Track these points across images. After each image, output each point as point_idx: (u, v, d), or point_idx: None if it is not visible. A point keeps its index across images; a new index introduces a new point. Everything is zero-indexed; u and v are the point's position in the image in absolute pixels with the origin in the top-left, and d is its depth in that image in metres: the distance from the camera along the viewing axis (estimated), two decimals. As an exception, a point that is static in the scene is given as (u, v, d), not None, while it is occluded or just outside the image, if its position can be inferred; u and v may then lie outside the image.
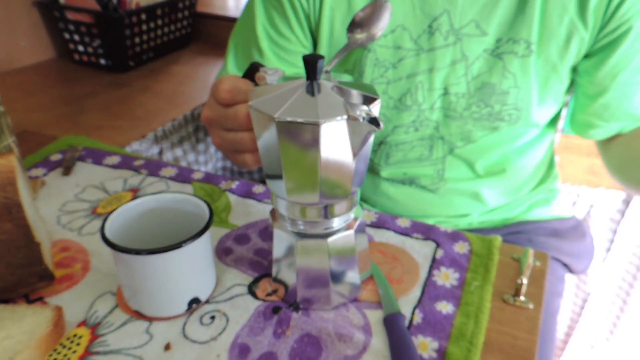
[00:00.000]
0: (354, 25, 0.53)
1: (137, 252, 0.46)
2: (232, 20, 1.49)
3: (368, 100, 0.44)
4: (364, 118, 0.41)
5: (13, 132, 0.67)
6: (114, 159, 0.79)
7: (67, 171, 0.75)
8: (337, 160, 0.44)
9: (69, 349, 0.47)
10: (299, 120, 0.42)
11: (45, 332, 0.46)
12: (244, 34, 0.77)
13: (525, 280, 0.52)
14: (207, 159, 1.09)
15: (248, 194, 0.70)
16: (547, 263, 0.57)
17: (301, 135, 0.42)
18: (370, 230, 0.62)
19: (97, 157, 0.79)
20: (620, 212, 1.17)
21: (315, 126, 0.41)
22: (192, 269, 0.49)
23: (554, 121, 0.78)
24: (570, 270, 0.87)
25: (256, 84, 0.49)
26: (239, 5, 1.71)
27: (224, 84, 0.49)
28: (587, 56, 0.67)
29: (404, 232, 0.62)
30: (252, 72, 0.51)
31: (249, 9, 0.76)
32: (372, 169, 0.79)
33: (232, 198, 0.69)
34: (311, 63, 0.44)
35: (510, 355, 0.46)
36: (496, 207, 0.79)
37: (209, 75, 1.25)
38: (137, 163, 0.78)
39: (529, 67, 0.65)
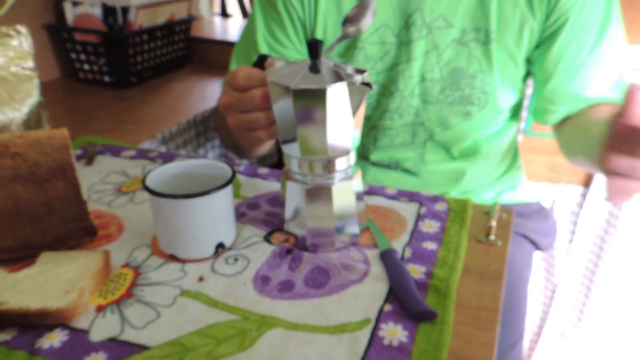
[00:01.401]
0: (346, 20, 0.65)
1: (174, 196, 0.55)
2: (223, 44, 1.63)
3: (360, 71, 0.56)
4: (360, 83, 0.53)
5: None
6: (131, 152, 0.88)
7: (90, 161, 0.85)
8: (340, 118, 0.55)
9: (118, 282, 0.56)
10: (310, 87, 0.53)
11: (98, 268, 0.55)
12: (246, 44, 0.89)
13: (494, 223, 0.63)
14: (206, 163, 1.19)
15: (254, 174, 0.80)
16: (512, 216, 0.68)
17: (312, 100, 0.54)
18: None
19: (115, 151, 0.88)
20: (579, 204, 1.31)
21: (323, 90, 0.53)
22: (218, 214, 0.58)
23: (516, 112, 0.91)
24: (538, 247, 0.98)
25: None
26: (228, 31, 1.85)
27: (241, 71, 0.60)
28: (537, 46, 0.80)
29: (392, 197, 0.73)
30: (260, 62, 0.62)
31: (250, 21, 0.88)
32: (363, 154, 0.90)
33: (241, 177, 0.79)
34: (314, 45, 0.56)
35: (483, 276, 0.57)
36: (470, 189, 0.91)
37: (204, 91, 1.36)
38: (152, 154, 0.87)
39: (491, 53, 0.78)
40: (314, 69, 0.56)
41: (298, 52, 0.86)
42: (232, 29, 1.89)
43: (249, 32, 0.89)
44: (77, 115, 1.14)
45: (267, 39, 0.86)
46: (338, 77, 0.54)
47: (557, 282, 1.40)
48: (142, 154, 0.87)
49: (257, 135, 0.63)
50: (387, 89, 0.83)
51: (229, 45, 1.64)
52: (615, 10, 0.78)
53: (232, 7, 2.12)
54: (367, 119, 0.86)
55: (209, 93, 1.34)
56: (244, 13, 2.10)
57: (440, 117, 0.83)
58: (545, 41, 0.79)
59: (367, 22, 0.65)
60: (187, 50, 1.57)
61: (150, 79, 1.42)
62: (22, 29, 0.70)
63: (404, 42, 0.80)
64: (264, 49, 0.86)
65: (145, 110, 1.19)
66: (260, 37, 0.86)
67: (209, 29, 1.82)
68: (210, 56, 1.63)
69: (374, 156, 0.89)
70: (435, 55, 0.80)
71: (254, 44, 0.87)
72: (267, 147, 0.83)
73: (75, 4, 1.29)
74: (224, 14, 2.10)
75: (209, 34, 1.73)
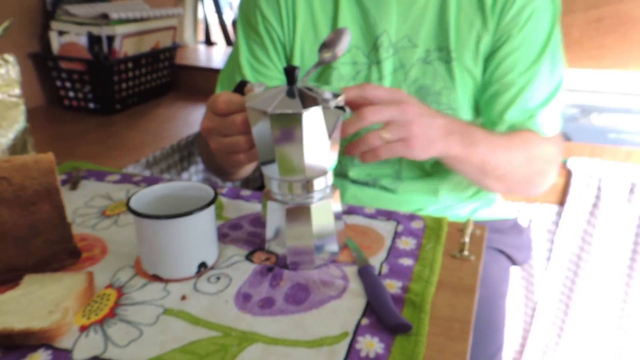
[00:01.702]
0: (323, 46, 0.68)
1: (158, 217, 0.57)
2: (206, 71, 1.67)
3: (335, 95, 0.59)
4: (334, 106, 0.56)
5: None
6: (115, 177, 0.90)
7: (74, 186, 0.86)
8: (316, 141, 0.58)
9: (101, 303, 0.57)
10: (286, 111, 0.56)
11: (81, 289, 0.56)
12: (230, 67, 0.94)
13: (467, 239, 0.65)
14: (190, 187, 1.21)
15: (237, 196, 0.82)
16: (485, 232, 0.71)
17: (288, 124, 0.56)
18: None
19: (99, 176, 0.90)
20: (555, 223, 1.34)
21: (298, 115, 0.55)
22: (201, 235, 0.60)
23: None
24: (514, 262, 1.01)
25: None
26: (211, 58, 1.89)
27: (221, 97, 0.63)
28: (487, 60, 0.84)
29: (370, 216, 0.75)
30: (240, 88, 0.65)
31: (235, 45, 0.93)
32: (342, 172, 0.93)
33: (224, 199, 0.81)
34: (290, 71, 0.59)
35: (457, 290, 0.59)
36: (446, 206, 0.94)
37: (188, 117, 1.39)
38: (136, 179, 0.89)
39: (453, 71, 0.83)
40: (291, 94, 0.59)
41: (279, 71, 0.91)
42: (215, 56, 1.94)
43: (233, 56, 0.94)
44: (62, 141, 1.15)
45: (250, 61, 0.90)
46: (313, 101, 0.57)
47: (537, 299, 1.42)
48: (126, 178, 0.89)
49: (238, 158, 0.65)
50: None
51: (212, 72, 1.68)
52: (555, 38, 0.83)
53: (216, 35, 2.17)
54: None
55: (193, 119, 1.36)
56: (228, 41, 2.14)
57: None
58: (491, 57, 0.83)
59: (342, 49, 0.68)
60: (171, 77, 1.60)
61: (135, 105, 1.45)
62: (10, 57, 0.72)
63: (374, 61, 0.85)
64: (247, 70, 0.90)
65: (130, 135, 1.21)
66: (244, 59, 0.91)
67: (193, 57, 1.86)
68: (194, 83, 1.66)
69: (352, 173, 0.92)
70: (403, 74, 0.85)
71: (238, 66, 0.91)
72: (248, 169, 0.86)
73: (61, 33, 1.31)
74: (208, 41, 2.15)
75: (193, 61, 1.77)
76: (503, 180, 0.82)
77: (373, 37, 0.85)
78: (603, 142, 1.27)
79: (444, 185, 0.91)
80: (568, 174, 1.30)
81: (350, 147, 0.67)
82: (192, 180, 1.21)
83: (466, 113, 0.86)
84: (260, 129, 0.58)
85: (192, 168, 1.22)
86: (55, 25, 1.32)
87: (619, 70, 1.41)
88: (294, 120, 0.56)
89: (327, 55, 0.67)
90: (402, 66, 0.84)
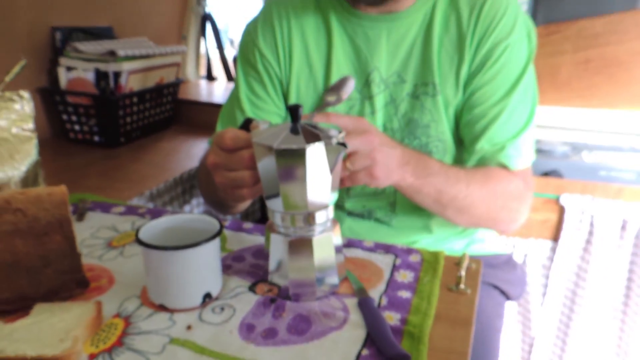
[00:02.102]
0: (328, 90, 0.72)
1: (165, 248, 0.59)
2: (208, 105, 1.71)
3: (336, 132, 0.63)
4: (335, 143, 0.59)
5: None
6: (120, 209, 0.92)
7: (80, 217, 0.88)
8: (319, 175, 0.61)
9: (109, 332, 0.59)
10: (291, 147, 0.59)
11: (90, 318, 0.58)
12: (230, 103, 0.98)
13: (463, 273, 0.68)
14: (191, 219, 1.23)
15: (239, 229, 0.84)
16: (480, 266, 0.73)
17: (293, 159, 0.59)
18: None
19: (104, 208, 0.92)
20: (550, 259, 1.37)
21: (302, 150, 0.59)
22: (206, 266, 0.62)
23: None
24: (508, 297, 1.03)
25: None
26: (213, 93, 1.94)
27: (228, 133, 0.66)
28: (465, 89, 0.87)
29: (369, 249, 0.78)
30: (246, 125, 0.68)
31: (235, 83, 0.98)
32: (338, 203, 0.95)
33: (227, 232, 0.83)
34: (294, 110, 0.63)
35: (454, 322, 0.61)
36: (440, 239, 0.96)
37: (190, 150, 1.42)
38: (141, 211, 0.91)
39: (438, 104, 0.87)
40: (295, 130, 0.62)
41: (276, 106, 0.95)
42: (217, 91, 1.99)
43: (233, 92, 0.98)
44: (68, 173, 1.18)
45: (249, 96, 0.95)
46: (316, 137, 0.60)
47: (533, 335, 1.43)
48: (131, 210, 0.91)
49: (241, 192, 0.68)
50: None
51: (214, 106, 1.72)
52: (529, 75, 0.86)
53: (217, 70, 2.23)
54: None
55: (194, 152, 1.39)
56: (228, 76, 2.20)
57: None
58: (467, 85, 0.86)
59: (347, 92, 0.72)
60: (174, 111, 1.64)
61: (139, 139, 1.48)
62: (25, 94, 0.75)
63: (366, 97, 0.90)
64: (246, 105, 0.94)
65: (134, 168, 1.24)
66: (243, 94, 0.95)
67: (195, 91, 1.91)
68: (196, 117, 1.70)
69: (348, 204, 0.94)
70: (393, 108, 0.89)
71: (237, 101, 0.95)
72: (246, 204, 0.90)
73: (69, 69, 1.35)
74: (210, 77, 2.20)
75: (195, 96, 1.81)
76: (464, 213, 0.83)
77: (365, 74, 0.89)
78: (594, 180, 1.31)
79: (437, 218, 0.94)
80: (561, 210, 1.33)
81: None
82: (194, 212, 1.23)
83: (455, 145, 0.90)
84: (266, 164, 0.61)
85: (194, 200, 1.25)
86: (63, 61, 1.36)
87: (608, 109, 1.46)
88: (298, 155, 0.59)
89: (331, 98, 0.71)
90: (393, 101, 0.89)
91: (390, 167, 0.69)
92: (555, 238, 1.36)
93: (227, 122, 0.97)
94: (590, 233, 1.31)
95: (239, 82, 0.96)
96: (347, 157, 0.66)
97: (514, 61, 0.85)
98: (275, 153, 0.59)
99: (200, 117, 1.69)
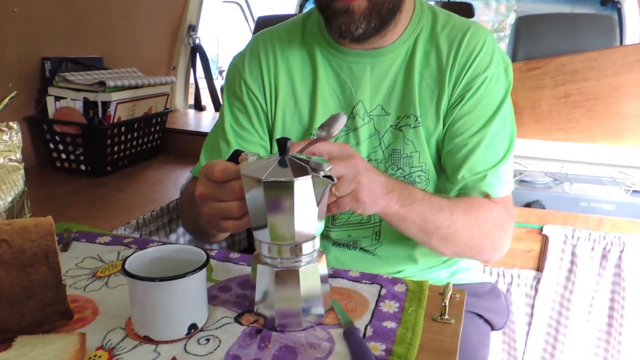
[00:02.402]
0: (322, 126, 0.73)
1: (151, 279, 0.59)
2: (195, 134, 1.72)
3: (323, 165, 0.64)
4: (322, 176, 0.61)
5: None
6: (106, 239, 0.92)
7: (65, 247, 0.88)
8: (306, 207, 0.62)
9: (92, 364, 0.58)
10: (279, 179, 0.60)
11: (74, 349, 0.57)
12: (215, 133, 0.99)
13: (447, 303, 0.69)
14: (177, 249, 1.23)
15: (226, 259, 0.85)
16: (464, 296, 0.74)
17: (281, 191, 0.60)
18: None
19: (90, 238, 0.92)
20: (534, 288, 1.38)
21: (290, 182, 0.60)
22: (192, 297, 0.62)
23: None
24: (493, 327, 1.03)
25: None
26: (200, 123, 1.96)
27: (217, 165, 0.67)
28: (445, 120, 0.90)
29: (355, 280, 0.78)
30: (235, 157, 0.70)
31: (220, 113, 0.99)
32: (323, 233, 0.96)
33: (213, 262, 0.83)
34: (282, 143, 0.64)
35: (438, 352, 0.62)
36: (425, 268, 0.97)
37: (177, 179, 1.43)
38: (127, 240, 0.91)
39: (420, 135, 0.89)
40: (283, 163, 0.63)
41: (261, 138, 0.96)
42: (205, 120, 2.01)
43: (219, 123, 1.00)
44: (53, 202, 1.17)
45: (234, 127, 0.96)
46: (304, 170, 0.61)
47: (519, 365, 1.43)
48: (116, 240, 0.91)
49: (227, 224, 0.69)
50: None
51: (201, 136, 1.72)
52: (506, 107, 0.89)
53: (206, 100, 2.25)
54: None
55: (181, 181, 1.40)
56: (217, 106, 2.22)
57: None
58: (447, 116, 0.89)
59: (338, 128, 0.73)
60: (161, 140, 1.65)
61: (125, 168, 1.48)
62: (14, 125, 0.76)
63: (351, 129, 0.92)
64: (230, 136, 0.96)
65: (120, 197, 1.24)
66: (228, 125, 0.96)
67: (183, 121, 1.92)
68: (184, 146, 1.71)
69: (334, 234, 0.95)
70: (377, 139, 0.91)
71: (222, 131, 0.97)
72: (227, 234, 0.90)
73: (57, 99, 1.36)
74: (198, 106, 2.23)
75: (183, 125, 1.83)
76: (449, 241, 0.83)
77: (350, 106, 0.92)
78: (575, 211, 1.33)
79: (421, 248, 0.95)
80: (544, 241, 1.36)
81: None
82: (181, 241, 1.23)
83: (437, 175, 0.92)
84: (254, 195, 0.62)
85: (180, 229, 1.25)
86: (52, 91, 1.37)
87: (587, 143, 1.50)
88: (286, 188, 0.60)
89: (322, 133, 0.73)
90: (377, 132, 0.91)
91: (375, 192, 0.70)
92: (539, 268, 1.38)
93: (211, 152, 0.98)
94: (573, 263, 1.33)
95: (224, 113, 0.98)
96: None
97: (492, 93, 0.88)
98: (264, 185, 0.60)
99: (188, 147, 1.70)
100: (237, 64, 0.98)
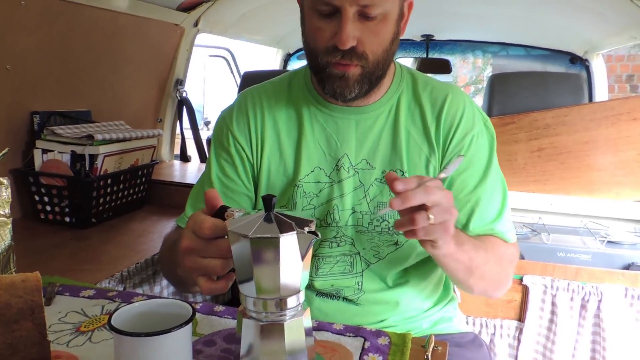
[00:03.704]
0: (442, 169, 0.78)
1: (138, 334, 0.60)
2: (181, 186, 1.74)
3: (307, 222, 0.66)
4: (307, 232, 0.63)
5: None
6: (90, 292, 0.91)
7: (48, 302, 0.87)
8: (291, 262, 0.64)
9: (75, 422, 0.58)
10: (265, 235, 0.62)
11: (57, 407, 0.57)
12: (201, 182, 1.02)
13: (429, 356, 0.70)
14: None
15: (211, 312, 0.85)
16: (447, 348, 0.76)
17: (267, 246, 0.63)
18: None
19: (73, 291, 0.92)
20: (516, 338, 1.39)
21: (276, 239, 0.62)
22: (177, 352, 0.63)
23: None
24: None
25: (224, 220, 0.69)
26: (185, 174, 1.98)
27: (206, 222, 0.69)
28: None
29: (339, 332, 0.79)
30: (220, 212, 0.72)
31: (207, 163, 1.02)
32: (307, 283, 0.97)
33: (198, 315, 0.84)
34: (268, 200, 0.67)
35: (421, 406, 0.63)
36: (407, 317, 0.98)
37: (163, 230, 1.43)
38: (111, 294, 0.91)
39: None
40: (268, 219, 0.66)
41: (246, 188, 0.99)
42: (190, 171, 2.03)
43: (205, 173, 1.02)
44: (37, 255, 1.17)
45: (220, 177, 0.99)
46: (289, 227, 0.64)
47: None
48: (100, 294, 0.91)
49: (202, 281, 0.71)
50: (325, 220, 0.95)
51: (186, 187, 1.75)
52: (495, 158, 0.96)
53: (191, 150, 2.28)
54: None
55: (167, 232, 1.40)
56: (202, 157, 2.26)
57: (373, 246, 0.95)
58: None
59: (453, 169, 0.76)
60: (147, 191, 1.67)
61: (110, 219, 1.49)
62: (4, 180, 0.77)
63: (335, 181, 0.95)
64: (216, 185, 0.98)
65: (104, 249, 1.24)
66: (214, 175, 0.99)
67: (168, 172, 1.94)
68: (169, 197, 1.72)
69: (317, 283, 0.97)
70: (362, 192, 0.94)
71: (208, 181, 0.99)
72: None
73: (45, 151, 1.38)
74: (184, 157, 2.25)
75: (168, 177, 1.85)
76: (483, 279, 0.90)
77: (335, 159, 0.95)
78: (553, 261, 1.37)
79: (404, 297, 0.97)
80: (525, 291, 1.38)
81: (398, 224, 0.73)
82: (165, 293, 1.23)
83: None
84: (241, 251, 0.64)
85: (164, 282, 1.24)
86: (40, 144, 1.39)
87: (562, 194, 1.56)
88: (272, 244, 0.62)
89: (442, 175, 0.76)
90: (362, 185, 0.95)
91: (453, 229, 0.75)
92: (521, 318, 1.39)
93: (196, 202, 1.00)
94: (554, 313, 1.35)
95: (211, 164, 1.01)
96: (427, 207, 0.69)
97: (481, 149, 0.94)
98: (250, 241, 0.62)
99: (173, 198, 1.71)
100: (225, 117, 1.01)
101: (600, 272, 1.34)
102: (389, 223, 0.94)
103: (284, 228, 0.63)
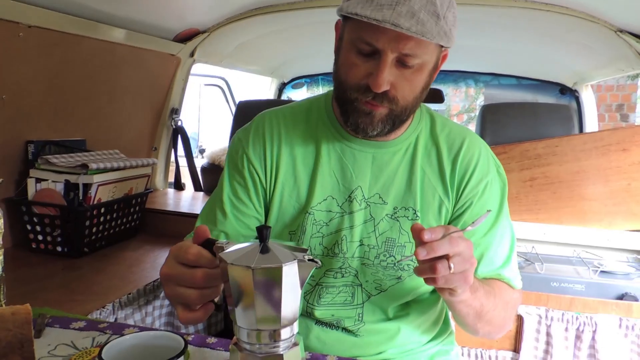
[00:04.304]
0: (471, 224, 0.77)
1: (130, 370, 0.59)
2: (173, 215, 1.74)
3: (302, 250, 0.67)
4: (307, 260, 0.64)
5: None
6: (80, 324, 0.90)
7: (38, 334, 0.86)
8: (291, 290, 0.64)
9: None
10: (270, 265, 0.62)
11: None
12: (212, 202, 1.01)
13: (423, 389, 0.69)
14: (152, 333, 1.21)
15: (203, 344, 0.84)
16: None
17: (270, 276, 0.63)
18: (306, 365, 0.78)
19: (64, 323, 0.90)
20: (512, 369, 1.38)
21: (279, 268, 0.62)
22: (170, 386, 0.62)
23: None
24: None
25: (213, 254, 0.69)
26: (180, 202, 1.97)
27: (192, 249, 0.69)
28: (449, 224, 0.95)
29: (333, 365, 0.78)
30: (207, 244, 0.71)
31: (219, 183, 1.01)
32: (307, 311, 0.96)
33: (190, 347, 0.83)
34: (263, 231, 0.67)
35: None
36: (406, 350, 0.97)
37: (155, 260, 1.42)
38: (102, 326, 0.90)
39: None
40: (265, 250, 0.66)
41: (257, 212, 0.98)
42: (184, 200, 2.02)
43: (217, 193, 1.01)
44: (27, 285, 1.16)
45: (232, 199, 0.98)
46: (288, 255, 0.64)
47: None
48: (91, 325, 0.90)
49: (180, 313, 0.71)
50: (332, 250, 0.95)
51: (180, 215, 1.75)
52: (505, 204, 0.97)
53: (185, 178, 2.28)
54: (312, 276, 0.95)
55: (159, 262, 1.39)
56: (196, 186, 2.26)
57: (376, 279, 0.95)
58: (452, 221, 0.95)
59: (479, 223, 0.78)
60: (140, 220, 1.66)
61: (103, 248, 1.48)
62: (-1, 210, 0.77)
63: (347, 212, 0.94)
64: (227, 206, 0.98)
65: (96, 279, 1.23)
66: (226, 196, 0.98)
67: (162, 200, 1.94)
68: (162, 226, 1.72)
69: (318, 313, 0.96)
70: (372, 225, 0.94)
71: (220, 202, 0.99)
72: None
73: (39, 181, 1.38)
74: (178, 186, 2.25)
75: (162, 205, 1.84)
76: (490, 324, 0.90)
77: (348, 190, 0.95)
78: (547, 291, 1.36)
79: (403, 329, 0.96)
80: (520, 321, 1.37)
81: (419, 271, 0.73)
82: (156, 324, 1.21)
83: None
84: (240, 282, 0.64)
85: (156, 312, 1.23)
86: (34, 173, 1.39)
87: (555, 224, 1.57)
88: (275, 273, 0.62)
89: (469, 228, 0.77)
90: (372, 219, 0.94)
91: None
92: (516, 349, 1.38)
93: (206, 221, 0.99)
94: (549, 344, 1.34)
95: (223, 184, 1.00)
96: (448, 257, 0.71)
97: (493, 195, 0.96)
98: (253, 272, 0.62)
99: (167, 227, 1.71)
100: (242, 138, 1.01)
101: (594, 302, 1.33)
102: (395, 259, 0.94)
103: (284, 257, 0.64)
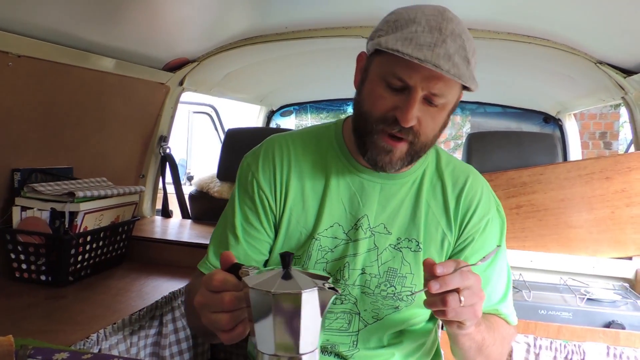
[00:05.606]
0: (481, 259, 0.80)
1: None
2: (160, 242, 1.72)
3: (323, 277, 0.68)
4: (327, 287, 0.65)
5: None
6: (63, 355, 0.88)
7: (19, 366, 0.84)
8: (311, 317, 0.65)
9: None
10: (289, 291, 0.64)
11: None
12: (223, 227, 1.02)
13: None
14: (137, 364, 1.18)
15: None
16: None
17: (289, 302, 0.64)
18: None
19: (46, 354, 0.88)
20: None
21: (298, 295, 0.64)
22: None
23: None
24: None
25: (239, 278, 0.70)
26: (167, 231, 1.96)
27: (217, 275, 0.71)
28: (450, 258, 0.96)
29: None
30: (233, 269, 0.72)
31: (230, 208, 1.02)
32: None
33: (175, 380, 0.81)
34: (285, 257, 0.69)
35: None
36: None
37: (141, 288, 1.40)
38: (86, 357, 0.88)
39: (419, 259, 0.94)
40: (287, 276, 0.67)
41: (268, 236, 0.99)
42: (171, 228, 2.01)
43: (227, 218, 1.02)
44: (9, 315, 1.13)
45: (243, 224, 0.99)
46: (309, 282, 0.65)
47: None
48: (74, 356, 0.88)
49: (220, 336, 0.72)
50: (334, 276, 0.96)
51: (167, 243, 1.73)
52: (504, 244, 1.00)
53: (173, 205, 2.27)
54: None
55: (146, 291, 1.38)
56: (184, 213, 2.24)
57: (374, 308, 0.96)
58: (454, 255, 0.97)
59: (490, 257, 0.83)
60: (126, 248, 1.64)
61: (88, 277, 1.45)
62: (-18, 239, 0.76)
63: (352, 239, 0.96)
64: (239, 231, 0.98)
65: (80, 309, 1.21)
66: (238, 222, 0.99)
67: (149, 228, 1.93)
68: (149, 254, 1.70)
69: None
70: (375, 254, 0.95)
71: (232, 226, 0.99)
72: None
73: (24, 209, 1.36)
74: (165, 213, 2.24)
75: (149, 233, 1.83)
76: (488, 358, 0.92)
77: (355, 218, 0.96)
78: (535, 319, 1.37)
79: (397, 356, 0.97)
80: (509, 350, 1.37)
81: (430, 304, 0.76)
82: (141, 355, 1.19)
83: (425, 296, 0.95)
84: (261, 307, 0.65)
85: (141, 342, 1.21)
86: (19, 201, 1.38)
87: (541, 251, 1.58)
88: (294, 300, 0.63)
89: (479, 263, 0.81)
90: (376, 248, 0.96)
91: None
92: (507, 376, 1.37)
93: (219, 247, 1.00)
94: (538, 372, 1.33)
95: (235, 209, 1.00)
96: (459, 290, 0.73)
97: (493, 232, 0.99)
98: (273, 297, 0.63)
99: (153, 255, 1.69)
100: (251, 163, 1.01)
101: (581, 330, 1.34)
102: (395, 289, 0.95)
103: (305, 284, 0.65)
